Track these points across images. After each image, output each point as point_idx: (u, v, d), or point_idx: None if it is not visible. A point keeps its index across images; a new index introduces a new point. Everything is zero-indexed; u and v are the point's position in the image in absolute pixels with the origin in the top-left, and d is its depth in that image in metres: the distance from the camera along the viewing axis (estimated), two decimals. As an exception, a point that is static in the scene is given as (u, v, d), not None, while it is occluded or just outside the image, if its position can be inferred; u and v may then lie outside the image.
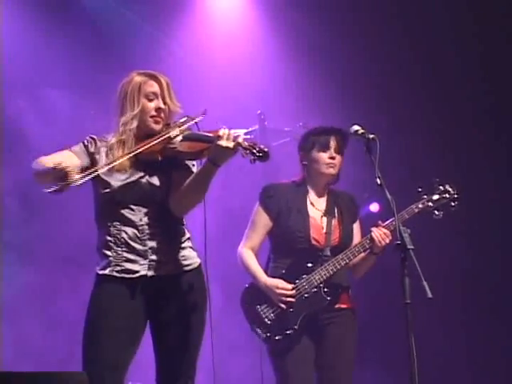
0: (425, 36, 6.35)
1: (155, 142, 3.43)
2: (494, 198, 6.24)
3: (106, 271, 3.48)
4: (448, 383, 6.02)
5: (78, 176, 3.33)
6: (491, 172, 6.25)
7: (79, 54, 6.08)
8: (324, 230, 4.36)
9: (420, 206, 4.36)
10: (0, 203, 5.85)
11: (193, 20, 6.58)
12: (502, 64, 6.27)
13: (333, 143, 4.38)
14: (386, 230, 4.23)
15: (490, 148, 6.28)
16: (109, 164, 3.41)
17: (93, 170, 3.40)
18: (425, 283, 3.47)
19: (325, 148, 4.38)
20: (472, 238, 6.23)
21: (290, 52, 6.45)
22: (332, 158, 4.37)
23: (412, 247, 3.55)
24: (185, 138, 3.46)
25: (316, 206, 4.43)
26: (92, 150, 3.54)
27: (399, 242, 3.59)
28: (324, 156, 4.38)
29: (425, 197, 4.38)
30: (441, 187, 4.41)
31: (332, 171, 4.39)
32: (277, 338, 4.24)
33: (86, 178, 3.36)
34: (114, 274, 3.47)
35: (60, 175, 3.32)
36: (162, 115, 3.54)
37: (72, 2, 6.20)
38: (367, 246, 4.29)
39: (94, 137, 3.57)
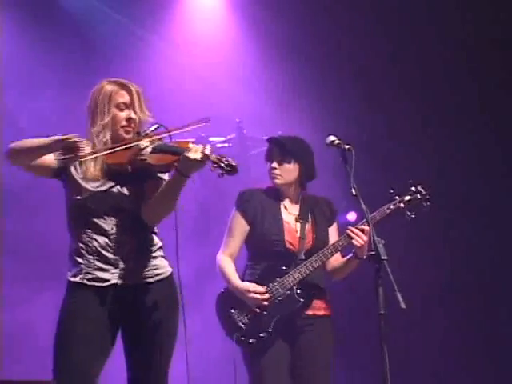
0: (410, 37, 6.38)
1: (124, 146, 3.42)
2: (471, 205, 6.29)
3: (77, 279, 3.46)
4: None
5: (88, 151, 3.35)
6: (466, 179, 6.30)
7: (63, 55, 6.11)
8: (298, 235, 4.38)
9: (392, 206, 4.36)
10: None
11: (170, 29, 6.58)
12: (490, 69, 6.33)
13: (273, 154, 4.42)
14: (362, 227, 4.23)
15: (466, 153, 6.34)
16: (85, 156, 3.39)
17: (94, 151, 3.40)
18: (398, 294, 3.48)
19: (267, 159, 4.45)
20: (447, 248, 6.28)
21: (270, 60, 6.46)
22: (273, 168, 4.40)
23: (386, 258, 3.56)
24: (154, 150, 3.43)
25: (289, 210, 4.45)
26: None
27: (373, 253, 3.61)
28: (268, 166, 4.43)
29: (396, 198, 4.39)
30: (413, 188, 4.42)
31: (276, 181, 4.41)
32: (251, 341, 4.24)
33: (95, 155, 3.39)
34: (85, 281, 3.45)
35: (68, 147, 3.34)
36: (133, 125, 3.53)
37: (54, 3, 6.20)
38: (339, 247, 4.30)
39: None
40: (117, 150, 3.42)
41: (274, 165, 4.40)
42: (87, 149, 3.36)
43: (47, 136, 3.39)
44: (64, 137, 3.36)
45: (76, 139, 3.34)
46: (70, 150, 3.36)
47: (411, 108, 6.38)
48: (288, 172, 4.40)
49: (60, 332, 3.43)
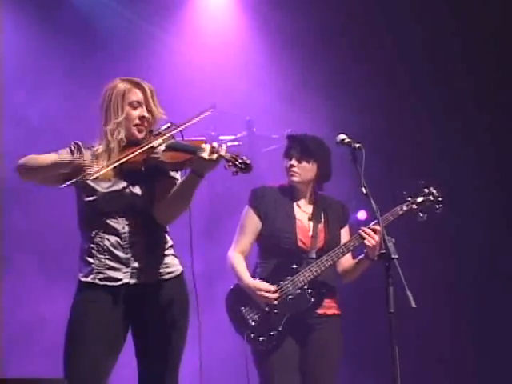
0: (412, 36, 6.37)
1: (139, 151, 3.42)
2: (477, 205, 6.29)
3: (89, 279, 3.47)
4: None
5: (95, 169, 3.38)
6: (469, 178, 6.29)
7: (71, 52, 6.11)
8: (310, 233, 4.39)
9: (404, 207, 4.39)
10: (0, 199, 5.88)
11: (180, 27, 6.58)
12: (486, 67, 6.32)
13: (293, 152, 4.43)
14: (374, 227, 4.24)
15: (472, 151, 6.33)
16: (96, 173, 3.40)
17: (106, 164, 3.41)
18: (409, 293, 3.48)
19: (286, 156, 4.45)
20: (456, 248, 6.28)
21: (280, 58, 6.45)
22: (291, 165, 4.40)
23: (396, 256, 3.56)
24: (168, 148, 3.44)
25: (303, 209, 4.46)
26: (77, 156, 3.53)
27: (384, 252, 3.61)
28: (286, 164, 4.44)
29: (409, 199, 4.41)
30: (425, 189, 4.44)
31: (293, 179, 4.42)
32: (260, 339, 4.25)
33: (102, 172, 3.39)
34: (97, 281, 3.46)
35: (74, 168, 3.40)
36: (146, 124, 3.54)
37: (63, 1, 6.22)
38: (351, 247, 4.32)
39: (79, 143, 3.55)
40: (128, 158, 3.41)
41: (293, 162, 4.41)
42: (95, 169, 3.39)
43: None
44: (71, 159, 3.42)
45: (81, 161, 3.39)
46: (77, 171, 3.41)
47: (422, 106, 6.37)
48: (306, 171, 4.41)
49: (71, 330, 3.45)
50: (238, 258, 4.37)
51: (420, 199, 4.41)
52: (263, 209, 4.40)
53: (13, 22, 6.12)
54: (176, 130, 3.47)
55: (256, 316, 4.28)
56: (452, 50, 6.38)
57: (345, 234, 4.48)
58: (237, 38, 6.62)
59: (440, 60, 6.39)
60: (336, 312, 4.41)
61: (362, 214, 6.15)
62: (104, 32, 6.22)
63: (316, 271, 4.28)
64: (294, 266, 4.30)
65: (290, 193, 4.48)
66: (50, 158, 3.45)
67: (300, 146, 4.42)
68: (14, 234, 5.91)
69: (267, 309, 4.25)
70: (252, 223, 4.41)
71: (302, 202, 4.48)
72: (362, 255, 4.34)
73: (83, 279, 3.49)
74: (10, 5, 6.14)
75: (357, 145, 3.78)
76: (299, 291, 4.28)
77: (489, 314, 6.22)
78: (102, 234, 3.46)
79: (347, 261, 4.43)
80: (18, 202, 5.89)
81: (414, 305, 3.48)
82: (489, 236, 6.26)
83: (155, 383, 3.49)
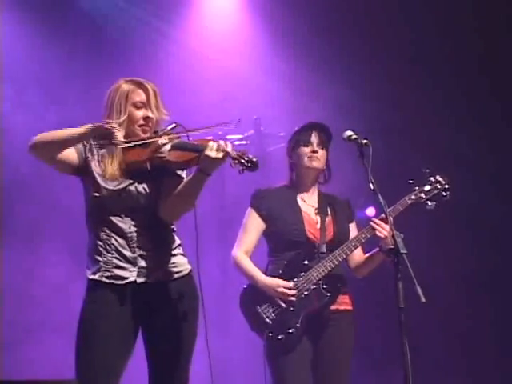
0: (420, 34, 6.37)
1: (144, 141, 3.46)
2: (494, 192, 6.28)
3: (96, 276, 3.49)
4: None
5: (121, 137, 3.41)
6: (485, 171, 6.28)
7: (78, 49, 6.18)
8: (318, 226, 4.39)
9: (413, 197, 4.38)
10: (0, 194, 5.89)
11: (187, 22, 6.61)
12: (499, 62, 6.31)
13: (314, 138, 4.43)
14: (384, 218, 4.22)
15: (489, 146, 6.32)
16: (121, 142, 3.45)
17: (137, 139, 3.46)
18: (418, 287, 3.47)
19: (307, 143, 4.44)
20: (468, 240, 6.26)
21: (288, 56, 6.46)
22: (314, 151, 4.41)
23: (405, 252, 3.56)
24: (173, 147, 3.47)
25: (308, 203, 4.46)
26: (88, 154, 3.55)
27: (392, 247, 3.61)
28: (306, 150, 4.43)
29: (416, 188, 4.40)
30: (431, 178, 4.43)
31: (315, 164, 4.42)
32: (279, 337, 4.23)
33: (128, 144, 3.43)
34: (104, 279, 3.48)
35: (103, 134, 3.39)
36: (150, 124, 3.57)
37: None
38: (363, 240, 4.31)
39: (91, 141, 3.58)
40: (147, 142, 3.45)
41: (316, 148, 4.42)
42: (120, 135, 3.41)
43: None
44: (99, 124, 3.40)
45: (109, 126, 3.38)
46: (104, 137, 3.41)
47: (438, 95, 6.39)
48: (323, 158, 4.46)
49: (81, 332, 3.46)
50: (244, 258, 4.36)
51: (427, 188, 4.40)
52: (265, 208, 4.40)
53: (15, 19, 6.16)
54: (184, 133, 3.50)
55: (273, 314, 4.26)
56: (468, 35, 6.36)
57: (354, 230, 4.48)
58: (246, 36, 6.63)
59: (454, 48, 6.39)
60: (348, 308, 4.41)
61: (370, 211, 6.15)
62: (110, 27, 6.25)
63: (330, 265, 4.27)
64: (306, 262, 4.30)
65: (293, 190, 4.48)
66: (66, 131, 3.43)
67: (321, 134, 4.44)
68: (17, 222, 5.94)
69: (285, 306, 4.25)
70: (254, 223, 4.41)
71: (306, 198, 4.47)
72: (376, 249, 4.34)
73: (91, 277, 3.51)
74: (14, 4, 6.19)
75: (364, 141, 3.78)
76: (314, 287, 4.27)
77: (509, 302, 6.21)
78: (108, 232, 3.48)
79: (359, 256, 4.44)
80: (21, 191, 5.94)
81: (423, 299, 3.48)
82: (509, 223, 6.24)
83: (166, 380, 3.50)
